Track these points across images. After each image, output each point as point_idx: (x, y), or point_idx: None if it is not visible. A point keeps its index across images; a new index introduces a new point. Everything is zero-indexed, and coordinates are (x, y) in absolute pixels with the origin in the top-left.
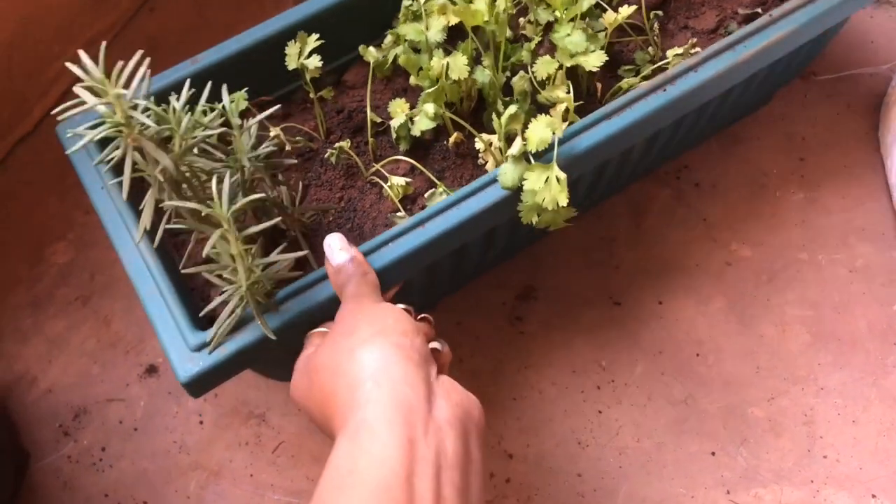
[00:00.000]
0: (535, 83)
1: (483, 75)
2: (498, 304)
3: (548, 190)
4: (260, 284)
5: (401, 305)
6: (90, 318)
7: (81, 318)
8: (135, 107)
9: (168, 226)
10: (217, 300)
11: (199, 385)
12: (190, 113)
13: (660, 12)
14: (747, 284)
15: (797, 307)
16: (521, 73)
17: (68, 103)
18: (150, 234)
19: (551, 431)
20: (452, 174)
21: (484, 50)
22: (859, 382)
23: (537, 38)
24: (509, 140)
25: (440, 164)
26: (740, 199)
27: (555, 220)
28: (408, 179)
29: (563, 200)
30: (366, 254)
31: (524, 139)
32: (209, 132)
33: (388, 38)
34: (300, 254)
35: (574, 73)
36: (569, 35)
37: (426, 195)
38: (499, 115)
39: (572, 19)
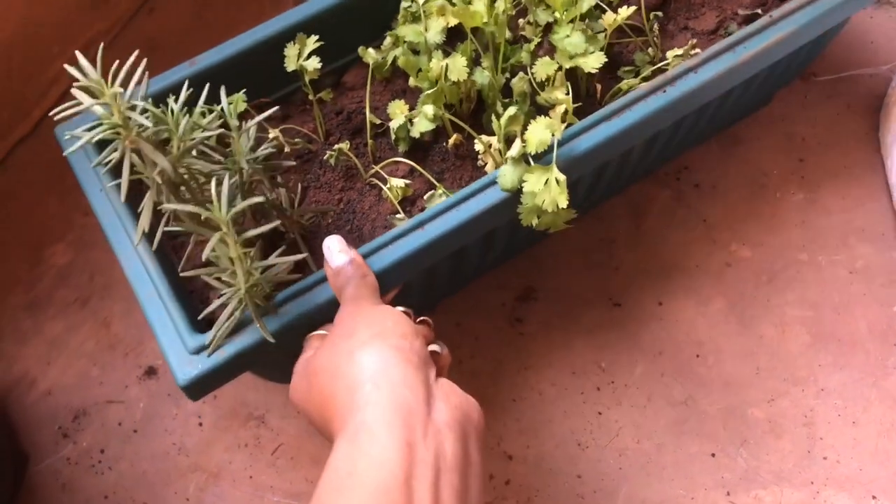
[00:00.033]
0: (534, 84)
1: (482, 77)
2: (498, 305)
3: (547, 192)
4: (259, 287)
5: (400, 308)
6: (89, 320)
7: (81, 320)
8: (133, 108)
9: (167, 228)
10: (216, 303)
11: (198, 388)
12: (188, 114)
13: (659, 13)
14: (747, 285)
15: (797, 308)
16: (521, 74)
17: (66, 105)
18: (149, 236)
19: (551, 433)
20: (452, 176)
21: (483, 51)
22: (859, 383)
23: (537, 39)
24: (509, 141)
25: (439, 165)
26: (740, 199)
27: (555, 222)
28: (407, 181)
29: (563, 202)
30: (365, 256)
31: (523, 141)
32: (207, 134)
33: (388, 40)
34: (299, 257)
35: (573, 75)
36: (568, 36)
37: (425, 197)
38: (498, 117)
39: (572, 20)
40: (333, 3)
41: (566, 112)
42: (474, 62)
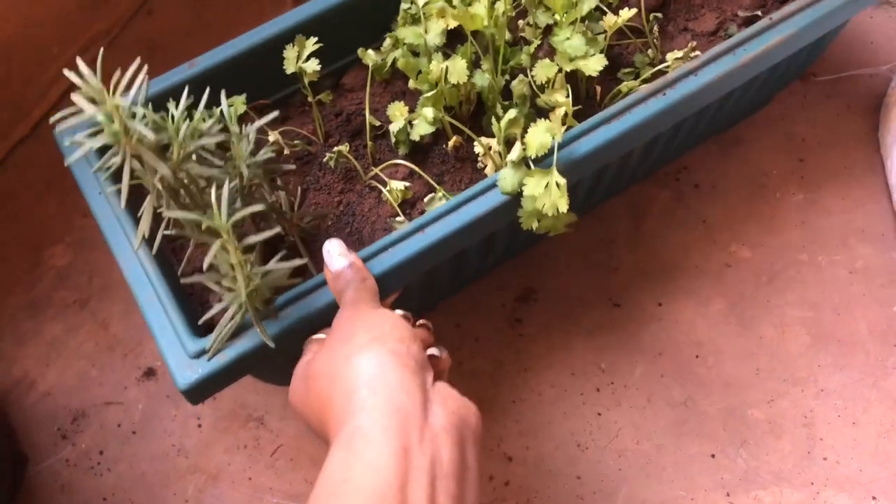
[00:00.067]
0: (534, 87)
1: (482, 79)
2: (497, 305)
3: (548, 195)
4: (259, 292)
5: (399, 311)
6: (88, 321)
7: (80, 321)
8: (133, 115)
9: (166, 232)
10: (216, 308)
11: (198, 392)
12: (188, 120)
13: (659, 14)
14: (747, 286)
15: (797, 308)
16: (521, 76)
17: (65, 112)
18: (148, 240)
19: (550, 434)
20: (451, 178)
21: (483, 53)
22: (859, 384)
23: (536, 42)
24: (509, 144)
25: (439, 167)
26: (740, 200)
27: (555, 226)
28: (407, 184)
29: (564, 206)
30: (365, 259)
31: (524, 144)
32: (208, 140)
33: (387, 42)
34: (299, 262)
35: (573, 76)
36: (568, 39)
37: (426, 200)
38: (498, 119)
39: (572, 23)
40: (333, 4)
41: (566, 115)
42: (474, 64)
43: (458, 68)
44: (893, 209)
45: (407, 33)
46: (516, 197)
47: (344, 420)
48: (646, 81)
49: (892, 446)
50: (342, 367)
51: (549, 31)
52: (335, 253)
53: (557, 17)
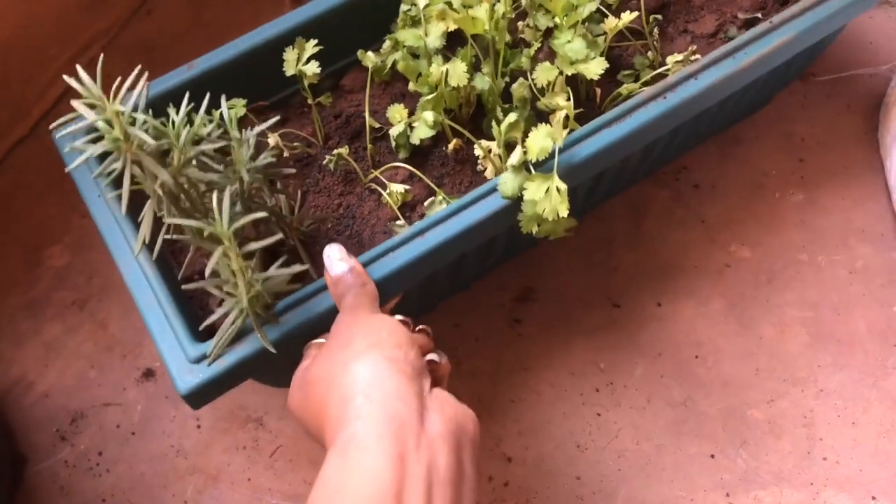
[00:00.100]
0: (534, 90)
1: (482, 82)
2: (496, 305)
3: (548, 200)
4: (260, 297)
5: (398, 316)
6: (87, 322)
7: (78, 322)
8: (133, 122)
9: (166, 237)
10: (217, 313)
11: (199, 397)
12: (189, 125)
13: (659, 16)
14: (746, 286)
15: (797, 308)
16: (521, 79)
17: (65, 118)
18: (149, 245)
19: (550, 434)
20: (451, 181)
21: (483, 56)
22: (859, 384)
23: (537, 44)
24: (509, 147)
25: (439, 170)
26: (739, 200)
27: (555, 230)
28: (406, 187)
29: (564, 211)
30: (365, 264)
31: (524, 148)
32: (208, 146)
33: (387, 43)
34: (300, 269)
35: (573, 79)
36: (569, 42)
37: (426, 203)
38: (498, 122)
39: (573, 25)
40: (332, 5)
41: (567, 118)
42: (474, 67)
43: (458, 71)
44: (893, 209)
45: (407, 35)
46: (517, 201)
47: (340, 427)
48: (646, 84)
49: (892, 446)
50: (340, 374)
51: (549, 33)
52: (335, 257)
53: (557, 19)
